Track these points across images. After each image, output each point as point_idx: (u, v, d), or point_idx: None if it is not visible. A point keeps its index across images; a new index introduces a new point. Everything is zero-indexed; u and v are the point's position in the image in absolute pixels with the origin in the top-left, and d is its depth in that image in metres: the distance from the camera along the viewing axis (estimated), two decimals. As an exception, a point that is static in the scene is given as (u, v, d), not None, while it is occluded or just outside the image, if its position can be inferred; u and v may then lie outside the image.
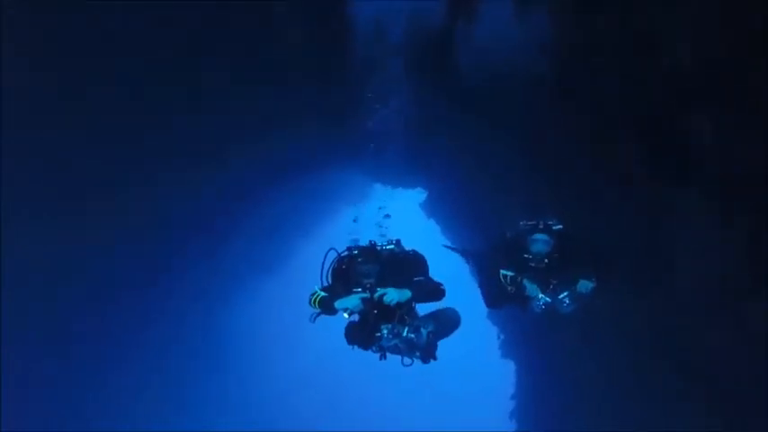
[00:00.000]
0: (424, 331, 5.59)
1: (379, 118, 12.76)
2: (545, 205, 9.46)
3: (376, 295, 5.41)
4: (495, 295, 7.35)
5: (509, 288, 6.76)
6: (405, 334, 5.48)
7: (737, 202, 6.74)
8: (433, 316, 5.89)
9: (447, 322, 5.93)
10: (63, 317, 11.48)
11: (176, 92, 10.20)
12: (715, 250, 7.05)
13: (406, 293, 5.50)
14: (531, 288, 6.70)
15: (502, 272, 6.81)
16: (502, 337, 16.57)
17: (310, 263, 6.07)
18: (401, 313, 5.60)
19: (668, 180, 7.45)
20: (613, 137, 8.11)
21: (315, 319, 5.76)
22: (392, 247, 6.00)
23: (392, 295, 5.40)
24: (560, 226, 6.96)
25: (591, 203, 8.59)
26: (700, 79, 6.82)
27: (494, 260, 7.29)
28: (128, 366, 13.65)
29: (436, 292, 5.79)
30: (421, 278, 5.84)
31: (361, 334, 5.70)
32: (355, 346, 5.83)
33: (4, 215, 9.42)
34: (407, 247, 6.14)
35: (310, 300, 5.68)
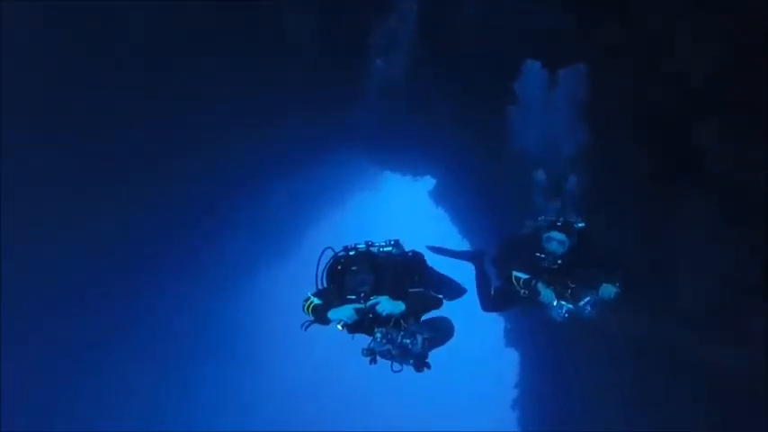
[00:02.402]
0: (419, 338, 5.39)
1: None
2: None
3: (368, 304, 5.23)
4: (501, 298, 6.96)
5: (521, 292, 6.22)
6: (399, 340, 5.29)
7: (740, 204, 6.75)
8: (429, 323, 5.68)
9: (442, 331, 5.71)
10: (63, 315, 11.56)
11: (178, 80, 10.23)
12: (717, 252, 7.05)
13: (400, 306, 5.29)
14: (545, 294, 6.08)
15: (515, 273, 6.25)
16: (508, 326, 16.63)
17: (319, 251, 5.85)
18: (397, 319, 5.39)
19: (671, 182, 7.43)
20: (617, 138, 8.09)
21: (306, 327, 5.50)
22: (390, 249, 5.74)
23: (384, 306, 5.21)
24: (582, 224, 6.42)
25: (594, 204, 8.55)
26: (704, 84, 6.79)
27: (505, 259, 6.82)
28: (129, 365, 13.66)
29: (433, 302, 5.58)
30: (418, 290, 5.57)
31: (358, 330, 5.52)
32: (355, 336, 5.60)
33: (4, 212, 9.50)
34: (406, 248, 5.89)
35: (303, 306, 5.43)
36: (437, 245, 7.87)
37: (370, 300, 5.30)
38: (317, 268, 5.60)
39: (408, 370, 5.77)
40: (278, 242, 18.89)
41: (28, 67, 9.03)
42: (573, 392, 11.69)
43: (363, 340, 5.67)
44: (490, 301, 7.20)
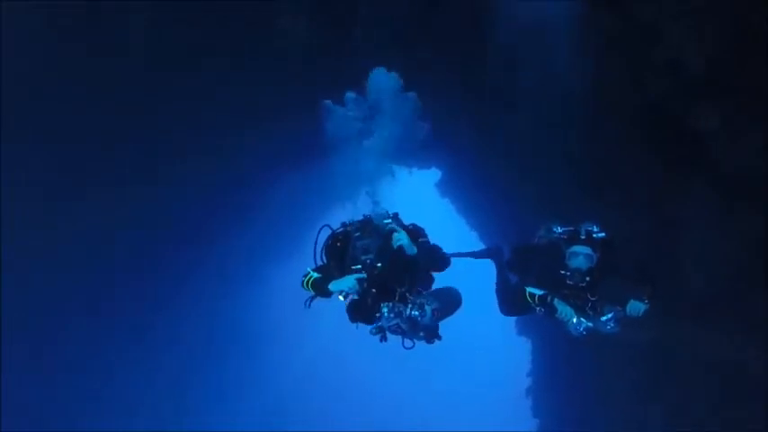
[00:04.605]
0: (428, 308, 5.23)
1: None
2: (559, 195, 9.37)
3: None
4: (517, 308, 6.41)
5: (537, 310, 5.73)
6: (407, 313, 5.15)
7: (744, 196, 6.72)
8: (435, 294, 5.53)
9: (450, 301, 5.57)
10: (64, 315, 11.61)
11: (182, 79, 10.23)
12: (721, 245, 7.03)
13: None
14: (564, 311, 5.57)
15: (529, 290, 5.72)
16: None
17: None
18: (402, 292, 5.27)
19: (676, 176, 7.41)
20: (622, 133, 8.07)
21: (309, 303, 5.34)
22: (389, 221, 5.53)
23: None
24: (603, 234, 5.74)
25: (598, 198, 8.53)
26: (707, 76, 6.76)
27: (520, 273, 6.41)
28: (128, 366, 13.65)
29: (442, 257, 5.45)
30: (426, 239, 5.44)
31: (361, 313, 5.35)
32: (359, 324, 5.47)
33: (4, 213, 9.56)
34: (406, 221, 5.69)
35: (303, 282, 5.24)
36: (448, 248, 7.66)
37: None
38: (315, 245, 5.47)
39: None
40: (284, 240, 18.83)
41: (28, 67, 9.09)
42: (586, 380, 11.71)
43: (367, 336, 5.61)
44: (508, 306, 6.67)
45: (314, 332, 24.56)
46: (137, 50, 9.64)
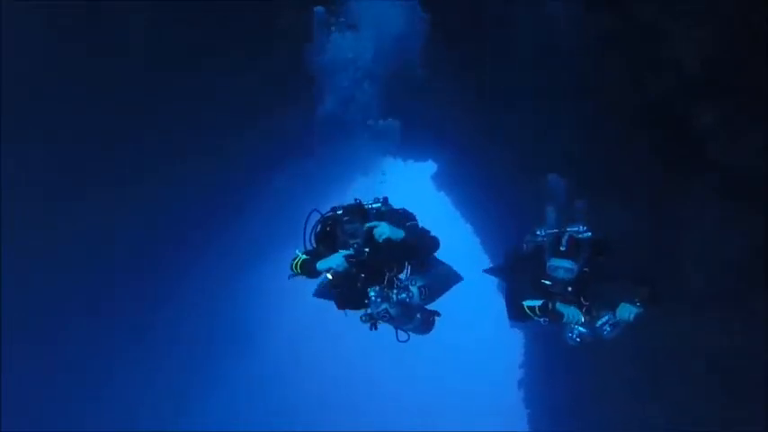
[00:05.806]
0: (414, 289, 5.18)
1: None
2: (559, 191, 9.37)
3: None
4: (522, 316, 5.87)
5: (541, 321, 5.38)
6: (395, 297, 5.08)
7: (744, 196, 6.77)
8: (421, 273, 5.41)
9: (439, 277, 5.49)
10: (65, 315, 11.63)
11: (182, 79, 10.22)
12: (721, 245, 7.07)
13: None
14: (569, 313, 5.31)
15: (526, 305, 5.41)
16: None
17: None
18: (390, 276, 5.19)
19: (676, 176, 7.44)
20: (622, 133, 8.09)
21: (290, 278, 5.26)
22: (379, 205, 5.51)
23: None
24: (589, 234, 5.49)
25: (598, 198, 8.53)
26: (707, 76, 6.79)
27: (514, 284, 6.09)
28: (130, 365, 13.70)
29: (430, 238, 5.38)
30: (414, 223, 5.41)
31: (349, 298, 5.25)
32: (347, 311, 5.36)
33: (4, 212, 9.56)
34: (396, 206, 5.64)
35: (291, 264, 5.16)
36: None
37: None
38: (304, 230, 5.37)
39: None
40: (284, 239, 18.74)
41: (28, 67, 9.06)
42: (581, 377, 11.75)
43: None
44: (514, 313, 6.02)
45: (314, 332, 24.56)
46: (137, 50, 9.63)
